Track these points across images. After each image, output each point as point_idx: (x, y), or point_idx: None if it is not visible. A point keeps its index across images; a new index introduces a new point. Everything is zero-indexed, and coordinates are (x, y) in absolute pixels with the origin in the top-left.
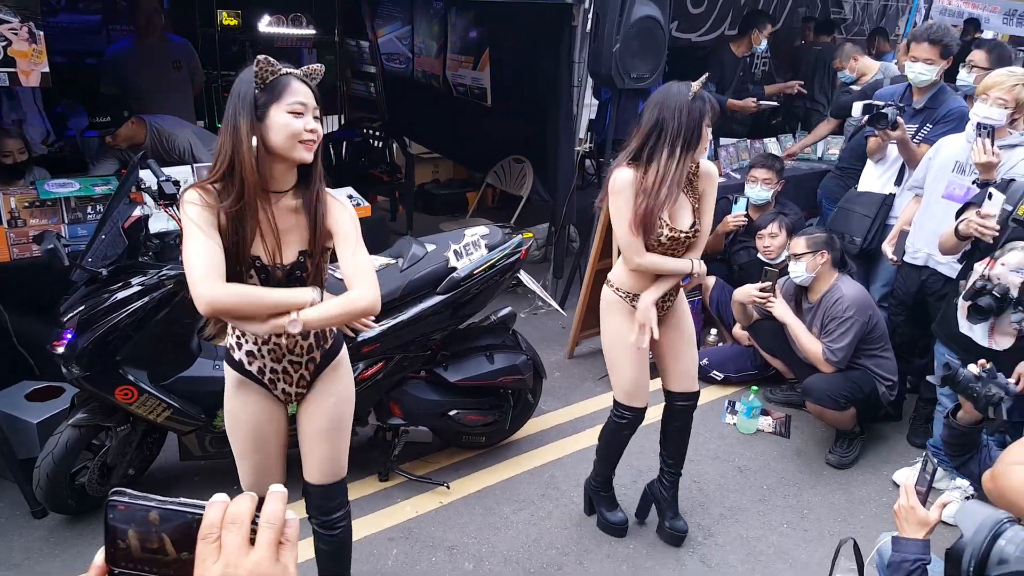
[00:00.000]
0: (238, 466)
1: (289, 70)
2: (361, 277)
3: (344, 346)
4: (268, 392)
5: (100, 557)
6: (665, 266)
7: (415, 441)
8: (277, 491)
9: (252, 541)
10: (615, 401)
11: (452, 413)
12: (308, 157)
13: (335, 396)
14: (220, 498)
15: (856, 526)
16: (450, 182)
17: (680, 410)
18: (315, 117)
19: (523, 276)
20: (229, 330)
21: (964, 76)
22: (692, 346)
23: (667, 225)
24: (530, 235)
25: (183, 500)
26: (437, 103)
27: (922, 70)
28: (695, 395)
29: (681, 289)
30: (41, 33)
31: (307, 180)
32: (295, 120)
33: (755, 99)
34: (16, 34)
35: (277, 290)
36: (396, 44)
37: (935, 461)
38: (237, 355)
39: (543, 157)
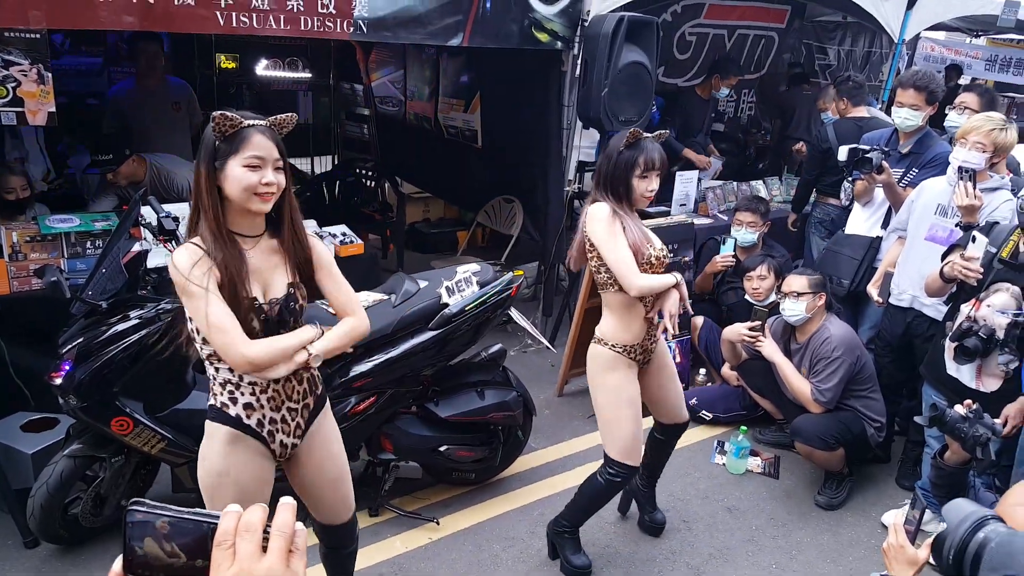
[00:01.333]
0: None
1: (253, 122)
2: (354, 304)
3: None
4: (264, 448)
5: (118, 565)
6: (657, 282)
7: (405, 477)
8: (287, 502)
9: (264, 549)
10: (609, 459)
11: (442, 449)
12: (264, 208)
13: (335, 441)
14: (233, 508)
15: (845, 567)
16: (440, 221)
17: (671, 436)
18: (277, 168)
19: (514, 313)
20: (216, 388)
21: (954, 118)
22: (676, 380)
23: (652, 246)
24: (520, 272)
25: (198, 510)
26: (428, 144)
27: (908, 115)
28: (685, 424)
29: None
30: (49, 75)
31: (276, 223)
32: (251, 173)
33: (708, 158)
34: (26, 75)
35: (288, 335)
36: (389, 87)
37: (924, 501)
38: (233, 410)
39: (533, 197)
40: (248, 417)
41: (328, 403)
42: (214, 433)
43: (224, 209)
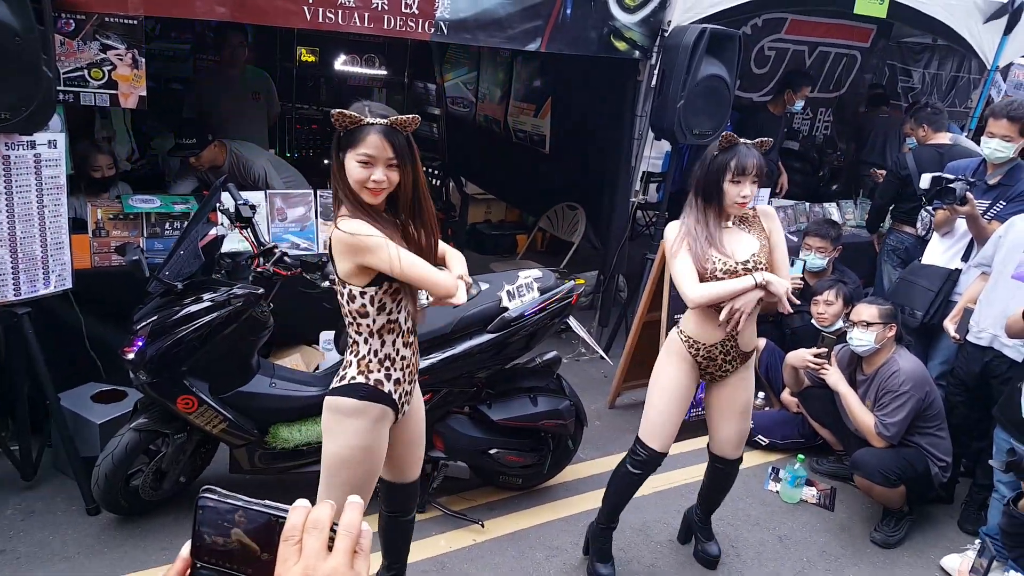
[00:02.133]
0: (335, 492)
1: (372, 120)
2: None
3: None
4: (396, 419)
5: (186, 550)
6: (722, 289)
7: (454, 476)
8: (355, 502)
9: (330, 548)
10: (636, 438)
11: (492, 451)
12: (373, 201)
13: (421, 405)
14: (303, 503)
15: None
16: (502, 223)
17: (715, 470)
18: (390, 166)
19: (572, 322)
20: (373, 365)
21: None
22: (741, 415)
23: (719, 260)
24: (582, 281)
25: (267, 502)
26: (496, 146)
27: (999, 146)
28: (732, 462)
29: (751, 358)
30: (143, 60)
31: (394, 206)
32: (362, 169)
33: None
34: (121, 59)
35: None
36: (461, 88)
37: (992, 550)
38: (387, 387)
39: (597, 205)
40: (395, 392)
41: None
42: (365, 411)
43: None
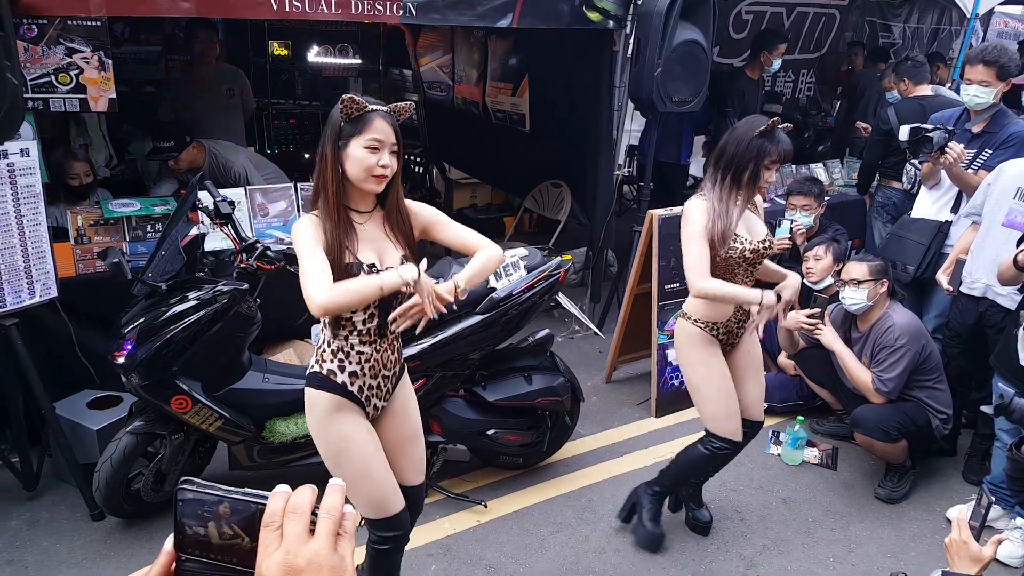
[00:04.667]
0: (354, 491)
1: (375, 107)
2: (478, 238)
3: None
4: (362, 410)
5: (169, 543)
6: (730, 292)
7: (454, 459)
8: (336, 484)
9: (312, 531)
10: (711, 433)
11: (490, 432)
12: (376, 189)
13: (412, 402)
14: (282, 489)
15: (907, 562)
16: (488, 207)
17: (744, 436)
18: (392, 152)
19: (562, 299)
20: (327, 355)
21: None
22: (760, 376)
23: (746, 240)
24: (568, 257)
25: (247, 490)
26: (476, 129)
27: (978, 92)
28: (759, 424)
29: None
30: (110, 61)
31: (384, 200)
32: (370, 155)
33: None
34: (87, 62)
35: (378, 275)
36: (437, 72)
37: (991, 497)
38: (340, 378)
39: (581, 181)
40: (352, 384)
41: (406, 369)
42: (317, 402)
43: (344, 187)
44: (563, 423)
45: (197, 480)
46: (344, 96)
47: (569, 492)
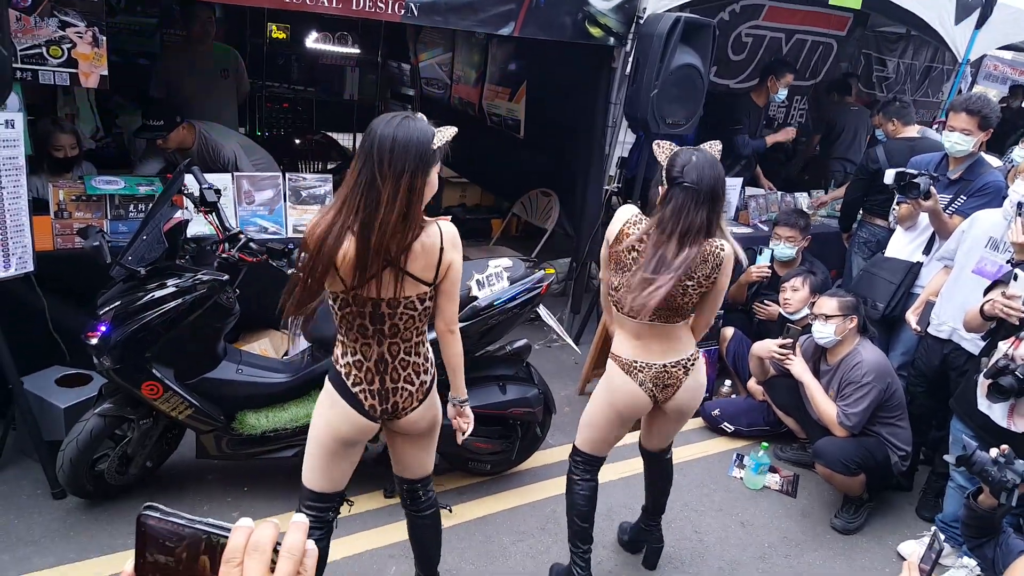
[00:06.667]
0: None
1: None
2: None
3: None
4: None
5: (130, 565)
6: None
7: None
8: (299, 522)
9: (272, 570)
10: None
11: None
12: None
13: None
14: (245, 523)
15: None
16: (476, 208)
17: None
18: None
19: (542, 311)
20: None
21: (1021, 152)
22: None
23: None
24: (552, 271)
25: (210, 520)
26: (470, 130)
27: (958, 140)
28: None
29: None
30: (104, 38)
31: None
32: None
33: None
34: (81, 37)
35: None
36: (436, 70)
37: (942, 539)
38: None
39: (571, 193)
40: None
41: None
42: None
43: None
44: (534, 433)
45: (161, 507)
46: (445, 129)
47: (534, 502)
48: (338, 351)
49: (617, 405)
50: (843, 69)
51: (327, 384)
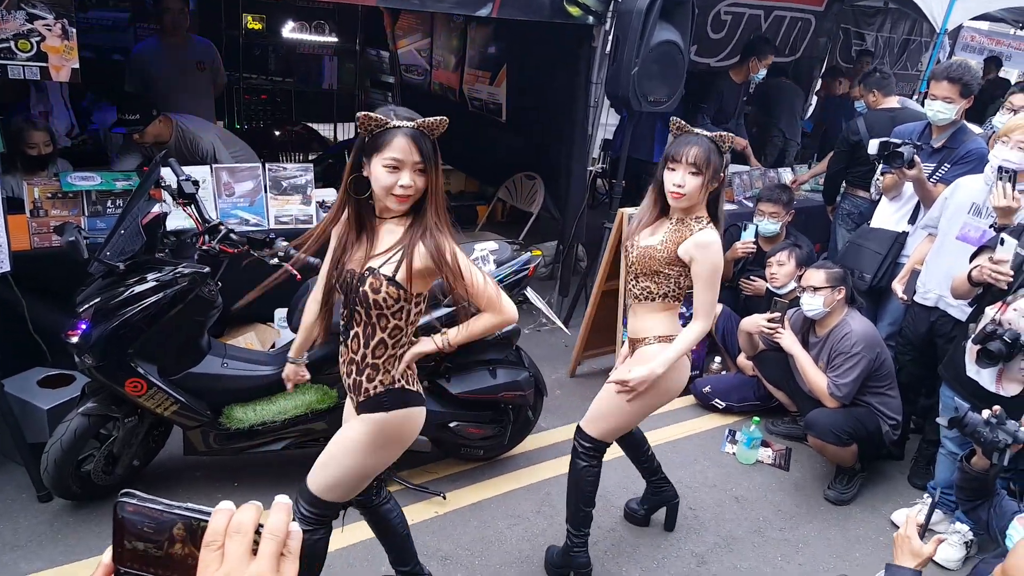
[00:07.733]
0: (358, 484)
1: (398, 123)
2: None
3: None
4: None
5: (108, 555)
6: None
7: (415, 450)
8: (282, 503)
9: (255, 552)
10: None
11: (452, 425)
12: (399, 208)
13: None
14: (226, 505)
15: (851, 563)
16: (461, 194)
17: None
18: (417, 171)
19: (529, 293)
20: (407, 370)
21: (1001, 119)
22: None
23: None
24: (539, 253)
25: (189, 505)
26: (452, 116)
27: (941, 108)
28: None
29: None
30: (74, 30)
31: (417, 212)
32: (388, 175)
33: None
34: (50, 30)
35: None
36: (415, 56)
37: (937, 494)
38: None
39: (555, 175)
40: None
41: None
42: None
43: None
44: (526, 417)
45: (137, 493)
46: (359, 114)
47: (528, 485)
48: (394, 371)
49: (672, 392)
50: (822, 44)
51: (397, 417)
